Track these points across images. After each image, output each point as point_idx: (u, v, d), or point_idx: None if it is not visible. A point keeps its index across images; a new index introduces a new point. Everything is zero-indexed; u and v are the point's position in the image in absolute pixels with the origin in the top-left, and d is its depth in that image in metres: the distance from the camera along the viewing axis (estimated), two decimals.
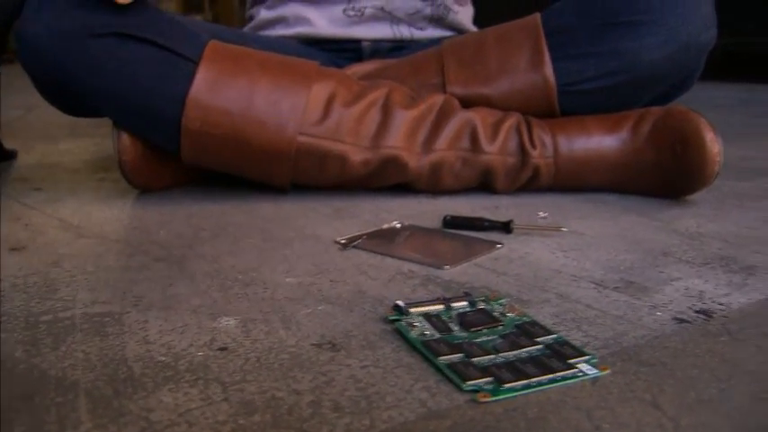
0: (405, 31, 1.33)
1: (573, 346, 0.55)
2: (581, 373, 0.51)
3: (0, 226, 0.91)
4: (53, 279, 0.72)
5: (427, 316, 0.60)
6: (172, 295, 0.67)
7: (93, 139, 1.63)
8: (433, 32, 1.34)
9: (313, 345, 0.56)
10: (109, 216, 0.96)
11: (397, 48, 1.33)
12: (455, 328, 0.58)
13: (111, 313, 0.63)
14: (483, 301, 0.64)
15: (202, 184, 1.13)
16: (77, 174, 1.26)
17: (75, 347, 0.56)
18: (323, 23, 1.31)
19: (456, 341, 0.56)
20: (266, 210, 0.99)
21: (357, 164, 0.99)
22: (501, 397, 0.48)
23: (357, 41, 1.32)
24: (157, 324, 0.60)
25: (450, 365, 0.51)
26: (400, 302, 0.61)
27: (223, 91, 0.96)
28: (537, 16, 1.08)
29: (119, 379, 0.51)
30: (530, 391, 0.49)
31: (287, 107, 0.97)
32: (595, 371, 0.51)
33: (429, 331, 0.57)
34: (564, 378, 0.50)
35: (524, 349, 0.54)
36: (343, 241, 0.82)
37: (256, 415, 0.46)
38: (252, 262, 0.77)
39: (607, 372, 0.51)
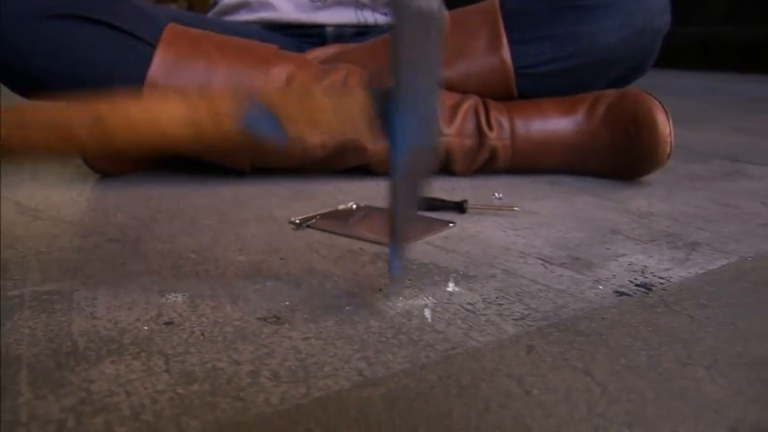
0: (368, 17, 1.33)
1: None
2: None
3: None
4: (5, 260, 0.72)
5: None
6: (123, 274, 0.68)
7: None
8: None
9: (258, 319, 0.57)
10: (67, 199, 0.96)
11: (360, 33, 1.33)
12: None
13: (60, 291, 0.63)
14: None
15: (164, 169, 1.13)
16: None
17: (22, 324, 0.56)
18: (287, 8, 1.32)
19: None
20: (225, 193, 0.99)
21: (315, 147, 1.00)
22: None
23: (321, 27, 1.32)
24: (106, 301, 0.61)
25: None
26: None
27: (180, 74, 0.96)
28: (495, 0, 1.09)
29: (62, 353, 0.51)
30: None
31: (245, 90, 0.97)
32: None
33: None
34: None
35: None
36: (297, 221, 0.83)
37: (195, 384, 0.47)
38: (206, 242, 0.77)
39: None
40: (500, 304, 0.60)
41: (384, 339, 0.53)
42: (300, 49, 1.24)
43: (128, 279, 0.66)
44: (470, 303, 0.60)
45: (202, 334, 0.54)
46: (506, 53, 1.04)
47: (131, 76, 0.95)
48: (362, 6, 1.32)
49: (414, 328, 0.55)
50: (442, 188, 1.00)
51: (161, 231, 0.81)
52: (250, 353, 0.51)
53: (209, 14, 1.39)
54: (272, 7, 1.32)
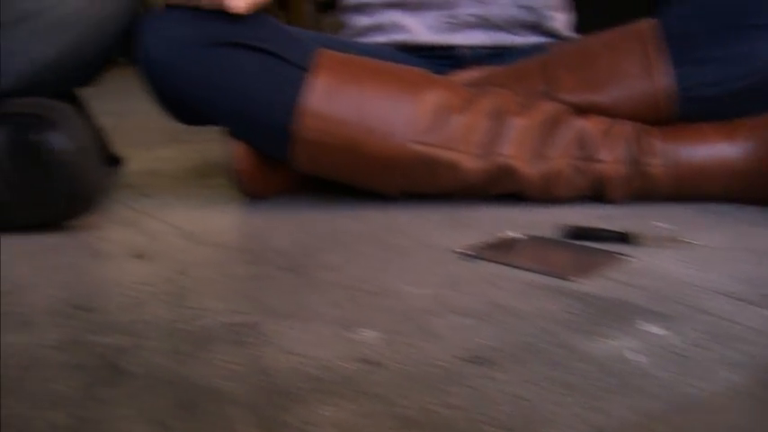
0: (502, 38, 1.31)
1: None
2: None
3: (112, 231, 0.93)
4: (181, 287, 0.72)
5: None
6: (303, 306, 0.67)
7: (192, 146, 1.65)
8: (529, 39, 1.32)
9: (460, 359, 0.55)
10: (221, 223, 0.97)
11: (494, 55, 1.31)
12: None
13: (246, 323, 0.63)
14: None
15: (309, 192, 1.13)
16: (182, 180, 1.27)
17: (218, 357, 0.56)
18: (421, 30, 1.31)
19: None
20: (377, 217, 0.98)
21: (469, 172, 0.98)
22: None
23: (454, 48, 1.31)
24: (295, 335, 0.60)
25: None
26: None
27: (337, 100, 0.96)
28: (649, 21, 1.05)
29: (269, 390, 0.51)
30: None
31: (398, 115, 0.97)
32: None
33: None
34: None
35: None
36: (465, 251, 0.81)
37: (416, 430, 0.45)
38: (373, 272, 0.76)
39: None
40: (709, 348, 0.57)
41: (603, 386, 0.51)
42: (438, 72, 1.23)
43: (310, 311, 0.65)
44: (676, 346, 0.57)
45: (408, 375, 0.53)
46: (663, 77, 1.00)
47: (285, 102, 0.96)
48: (496, 28, 1.30)
49: (628, 373, 0.52)
50: (598, 216, 0.96)
51: (326, 260, 0.80)
52: (463, 397, 0.49)
53: (340, 36, 1.39)
54: (405, 29, 1.31)
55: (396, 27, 1.32)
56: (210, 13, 0.95)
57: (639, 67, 1.02)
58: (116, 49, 1.06)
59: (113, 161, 1.36)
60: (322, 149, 0.97)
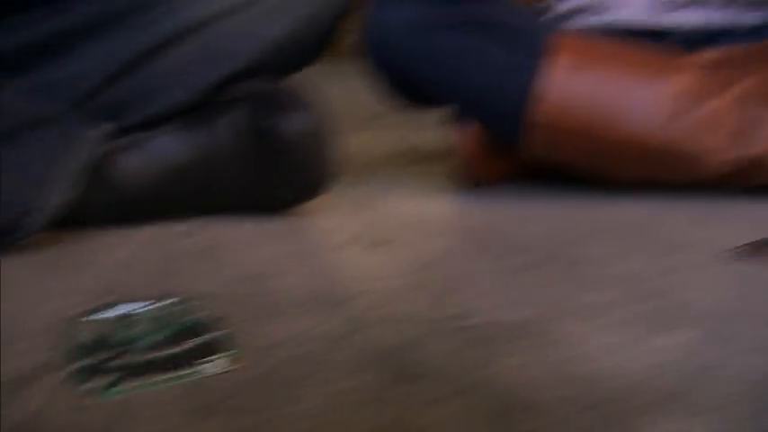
0: (719, 18, 1.18)
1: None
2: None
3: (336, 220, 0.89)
4: (436, 281, 0.67)
5: None
6: (584, 304, 0.60)
7: (391, 130, 1.60)
8: (753, 18, 1.19)
9: None
10: (452, 211, 0.91)
11: (711, 37, 1.19)
12: None
13: (526, 322, 0.56)
14: None
15: (530, 180, 1.06)
16: (392, 166, 1.22)
17: (505, 359, 0.50)
18: (640, 8, 1.21)
19: None
20: (619, 208, 0.90)
21: (716, 164, 0.88)
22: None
23: (667, 32, 1.20)
24: (594, 337, 0.53)
25: None
26: None
27: (576, 83, 0.89)
28: None
29: (593, 400, 0.44)
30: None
31: (645, 100, 0.89)
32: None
33: None
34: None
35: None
36: (743, 250, 0.71)
37: None
38: (645, 269, 0.68)
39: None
40: None
41: None
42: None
43: (593, 311, 0.58)
44: None
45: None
46: None
47: (520, 86, 0.89)
48: (717, 5, 1.18)
49: None
50: None
51: (589, 252, 0.73)
52: None
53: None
54: (622, 5, 1.21)
55: (608, 7, 1.22)
56: None
57: None
58: (335, 30, 1.02)
59: None
60: (559, 135, 0.90)
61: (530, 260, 0.71)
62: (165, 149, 0.86)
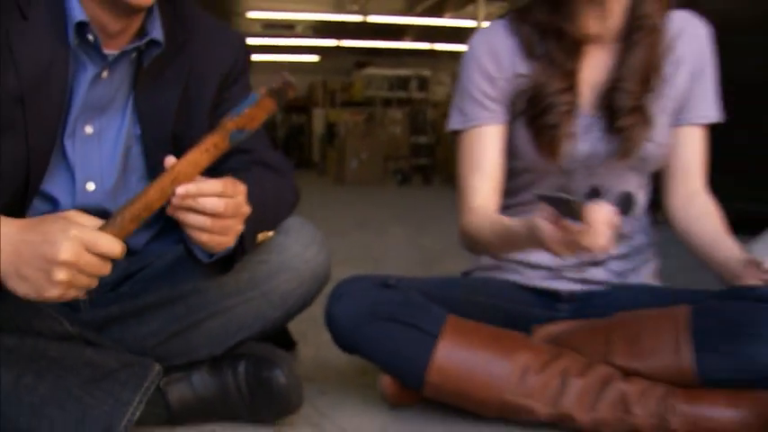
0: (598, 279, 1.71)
1: None
2: None
3: None
4: None
5: None
6: None
7: None
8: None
9: None
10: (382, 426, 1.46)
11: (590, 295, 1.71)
12: None
13: None
14: None
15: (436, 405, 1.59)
16: (348, 376, 1.78)
17: None
18: (531, 275, 1.75)
19: None
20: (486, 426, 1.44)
21: (540, 415, 1.43)
22: None
23: (557, 292, 1.72)
24: None
25: None
26: None
27: (455, 359, 1.44)
28: (686, 309, 1.45)
29: None
30: None
31: (501, 370, 1.43)
32: None
33: None
34: None
35: None
36: None
37: None
38: None
39: None
40: None
41: None
42: (541, 307, 1.67)
43: None
44: None
45: None
46: (687, 359, 1.39)
47: (419, 358, 1.45)
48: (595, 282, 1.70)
49: None
50: None
51: None
52: None
53: (470, 268, 1.86)
54: (519, 272, 1.76)
55: (513, 270, 1.77)
56: (380, 292, 1.48)
57: (672, 347, 1.43)
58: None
59: (289, 344, 1.88)
60: (444, 391, 1.46)
61: None
62: (204, 383, 1.42)
